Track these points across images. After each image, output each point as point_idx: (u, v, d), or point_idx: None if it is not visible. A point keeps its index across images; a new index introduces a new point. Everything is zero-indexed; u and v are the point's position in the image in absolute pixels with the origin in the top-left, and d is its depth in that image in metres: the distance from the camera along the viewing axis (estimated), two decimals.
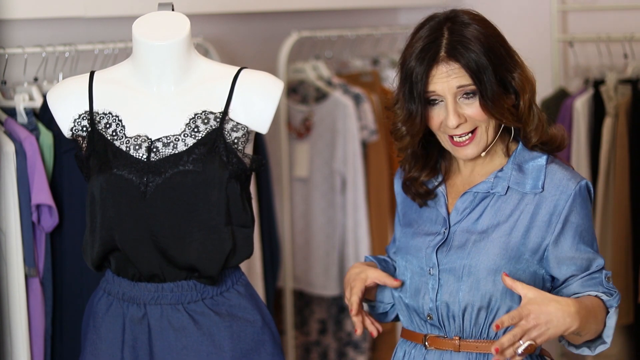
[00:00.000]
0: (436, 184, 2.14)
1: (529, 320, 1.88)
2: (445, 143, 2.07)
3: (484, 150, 2.06)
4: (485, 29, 2.02)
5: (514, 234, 2.03)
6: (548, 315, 1.89)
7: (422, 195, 2.15)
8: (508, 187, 2.06)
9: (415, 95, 2.02)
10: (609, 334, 2.02)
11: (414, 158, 2.14)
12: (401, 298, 2.15)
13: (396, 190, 2.25)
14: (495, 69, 2.00)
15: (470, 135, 2.03)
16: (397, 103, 2.09)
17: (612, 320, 2.02)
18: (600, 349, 2.04)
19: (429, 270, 2.08)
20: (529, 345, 1.88)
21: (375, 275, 2.15)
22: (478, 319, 2.04)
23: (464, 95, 2.01)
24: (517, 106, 2.04)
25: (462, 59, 1.99)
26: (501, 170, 2.07)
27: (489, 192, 2.06)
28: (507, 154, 2.09)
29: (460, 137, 2.03)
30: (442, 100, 2.02)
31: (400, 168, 2.21)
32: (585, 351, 2.05)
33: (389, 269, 2.24)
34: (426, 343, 2.10)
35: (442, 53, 2.00)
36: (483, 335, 2.05)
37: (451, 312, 2.06)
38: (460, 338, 2.06)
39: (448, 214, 2.10)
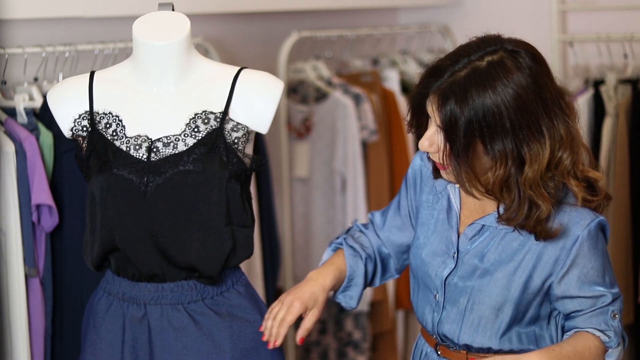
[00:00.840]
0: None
1: None
2: None
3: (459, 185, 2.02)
4: (509, 91, 1.89)
5: (517, 274, 2.00)
6: None
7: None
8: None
9: (419, 94, 1.99)
10: None
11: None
12: (416, 306, 2.16)
13: (409, 173, 2.21)
14: (481, 134, 1.90)
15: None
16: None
17: (610, 359, 2.02)
18: None
19: (435, 295, 2.07)
20: None
21: (311, 319, 2.17)
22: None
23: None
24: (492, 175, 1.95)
25: (443, 110, 1.91)
26: None
27: (496, 227, 2.03)
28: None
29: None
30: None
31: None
32: None
33: (358, 268, 2.23)
34: (438, 352, 2.10)
35: (436, 87, 1.92)
36: (491, 351, 2.04)
37: (451, 341, 2.06)
38: (467, 352, 2.06)
39: (458, 236, 2.07)
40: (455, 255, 2.06)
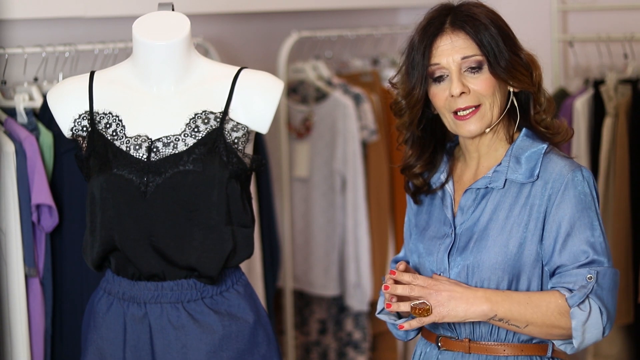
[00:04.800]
0: (443, 180, 2.13)
1: (433, 286, 1.96)
2: (450, 122, 2.05)
3: (488, 127, 2.04)
4: (493, 12, 2.05)
5: (514, 229, 2.02)
6: (452, 291, 1.97)
7: (417, 188, 2.15)
8: (506, 179, 2.04)
9: (416, 68, 2.04)
10: (575, 335, 1.97)
11: (412, 145, 2.14)
12: None
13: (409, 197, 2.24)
14: (505, 41, 2.02)
15: (472, 109, 2.02)
16: (399, 76, 2.11)
17: (575, 321, 1.96)
18: (573, 350, 2.01)
19: (440, 274, 2.07)
20: (422, 304, 1.96)
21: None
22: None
23: (470, 69, 2.01)
24: (531, 76, 2.05)
25: (468, 28, 2.01)
26: (500, 164, 2.06)
27: (487, 187, 2.05)
28: (511, 141, 2.08)
29: (464, 110, 2.02)
30: (447, 75, 2.02)
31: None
32: (566, 348, 2.02)
33: None
34: (439, 344, 2.09)
35: (447, 25, 2.02)
36: (493, 336, 2.04)
37: (456, 325, 2.06)
38: (470, 340, 2.05)
39: (453, 215, 2.09)
40: (453, 231, 2.07)
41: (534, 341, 2.05)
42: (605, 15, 3.90)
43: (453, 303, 1.96)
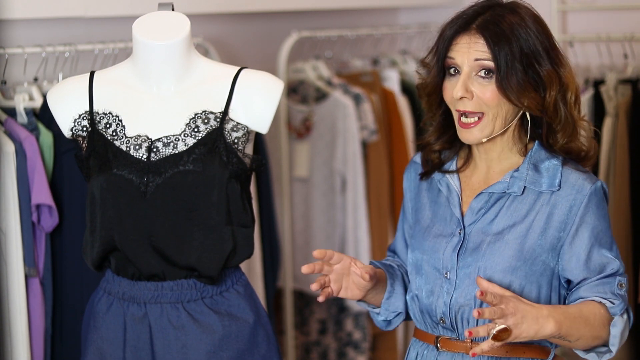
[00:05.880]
0: (451, 169, 2.12)
1: (509, 307, 1.88)
2: (455, 122, 2.05)
3: (487, 137, 2.02)
4: (531, 21, 2.02)
5: (530, 235, 2.01)
6: (524, 310, 1.89)
7: (433, 164, 2.13)
8: (525, 187, 2.03)
9: (436, 57, 2.04)
10: (613, 343, 1.99)
11: (436, 127, 2.13)
12: (417, 298, 2.11)
13: (405, 186, 2.23)
14: (523, 58, 1.98)
15: (476, 119, 2.00)
16: (430, 56, 2.09)
17: (615, 329, 1.99)
18: (607, 357, 2.02)
19: (446, 273, 2.05)
20: (503, 329, 1.88)
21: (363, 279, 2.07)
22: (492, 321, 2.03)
23: (482, 74, 1.99)
24: (543, 98, 2.01)
25: (488, 34, 1.98)
26: (517, 170, 2.05)
27: (504, 192, 2.04)
28: (524, 152, 2.06)
29: (467, 117, 2.01)
30: (459, 72, 2.01)
31: (412, 160, 2.21)
32: (593, 357, 2.03)
33: (396, 274, 2.21)
34: (438, 345, 2.08)
35: (474, 25, 2.00)
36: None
37: (465, 315, 2.03)
38: (472, 341, 2.04)
39: (462, 214, 2.08)
40: (462, 231, 2.06)
41: (535, 343, 2.04)
42: (605, 15, 3.90)
43: (526, 325, 1.89)
